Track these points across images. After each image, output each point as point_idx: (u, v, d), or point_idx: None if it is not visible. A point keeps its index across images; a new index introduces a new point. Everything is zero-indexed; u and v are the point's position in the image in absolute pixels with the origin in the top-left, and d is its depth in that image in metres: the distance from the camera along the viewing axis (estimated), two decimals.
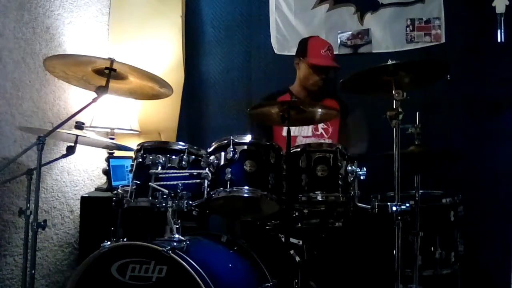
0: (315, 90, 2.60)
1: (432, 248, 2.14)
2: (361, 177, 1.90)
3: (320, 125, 2.60)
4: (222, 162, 1.89)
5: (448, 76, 1.90)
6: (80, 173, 2.99)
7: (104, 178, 2.92)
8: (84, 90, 2.03)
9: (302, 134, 2.59)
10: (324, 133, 2.60)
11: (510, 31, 2.67)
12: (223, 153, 1.90)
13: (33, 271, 1.93)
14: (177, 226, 1.75)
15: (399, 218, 1.72)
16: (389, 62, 1.75)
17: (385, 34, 2.93)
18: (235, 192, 1.85)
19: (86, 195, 2.77)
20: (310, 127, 2.59)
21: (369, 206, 1.85)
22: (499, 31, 2.68)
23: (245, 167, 1.87)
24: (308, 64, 2.56)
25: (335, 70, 2.60)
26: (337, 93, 2.64)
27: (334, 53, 2.64)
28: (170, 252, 1.58)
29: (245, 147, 1.91)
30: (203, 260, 1.65)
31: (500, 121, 2.69)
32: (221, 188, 1.85)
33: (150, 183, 1.82)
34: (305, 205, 1.99)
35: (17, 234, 2.49)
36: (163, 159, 1.87)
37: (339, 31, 3.00)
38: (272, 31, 3.10)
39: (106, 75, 1.85)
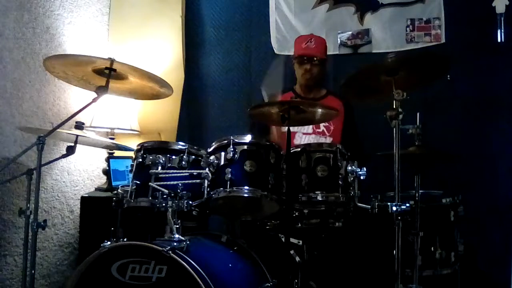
0: (307, 84, 2.60)
1: (432, 248, 2.14)
2: (361, 177, 1.90)
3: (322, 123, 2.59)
4: (222, 162, 1.89)
5: (448, 76, 1.90)
6: (80, 173, 2.99)
7: (104, 178, 2.93)
8: (84, 90, 2.03)
9: (302, 130, 2.58)
10: (325, 131, 2.59)
11: (510, 31, 2.67)
12: (223, 153, 1.90)
13: (33, 271, 1.93)
14: (177, 226, 1.74)
15: (399, 218, 1.72)
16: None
17: (385, 34, 2.93)
18: (235, 192, 1.85)
19: (86, 195, 2.78)
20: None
21: (369, 206, 1.85)
22: (499, 31, 2.68)
23: (245, 167, 1.88)
24: (294, 60, 2.59)
25: (323, 62, 2.58)
26: (340, 92, 2.63)
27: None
28: (170, 252, 1.58)
29: (245, 147, 1.91)
30: (203, 260, 1.65)
31: (500, 121, 2.69)
32: (221, 188, 1.85)
33: (150, 183, 1.82)
34: (305, 205, 1.99)
35: (17, 234, 2.49)
36: (163, 159, 1.88)
37: (339, 31, 2.99)
38: (272, 31, 3.10)
39: (106, 75, 1.85)
